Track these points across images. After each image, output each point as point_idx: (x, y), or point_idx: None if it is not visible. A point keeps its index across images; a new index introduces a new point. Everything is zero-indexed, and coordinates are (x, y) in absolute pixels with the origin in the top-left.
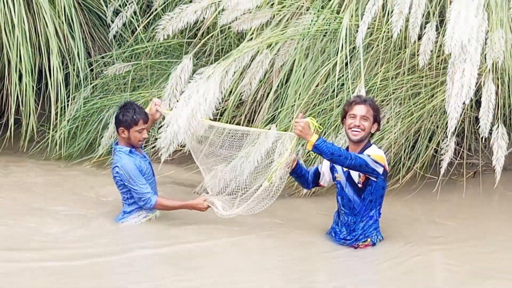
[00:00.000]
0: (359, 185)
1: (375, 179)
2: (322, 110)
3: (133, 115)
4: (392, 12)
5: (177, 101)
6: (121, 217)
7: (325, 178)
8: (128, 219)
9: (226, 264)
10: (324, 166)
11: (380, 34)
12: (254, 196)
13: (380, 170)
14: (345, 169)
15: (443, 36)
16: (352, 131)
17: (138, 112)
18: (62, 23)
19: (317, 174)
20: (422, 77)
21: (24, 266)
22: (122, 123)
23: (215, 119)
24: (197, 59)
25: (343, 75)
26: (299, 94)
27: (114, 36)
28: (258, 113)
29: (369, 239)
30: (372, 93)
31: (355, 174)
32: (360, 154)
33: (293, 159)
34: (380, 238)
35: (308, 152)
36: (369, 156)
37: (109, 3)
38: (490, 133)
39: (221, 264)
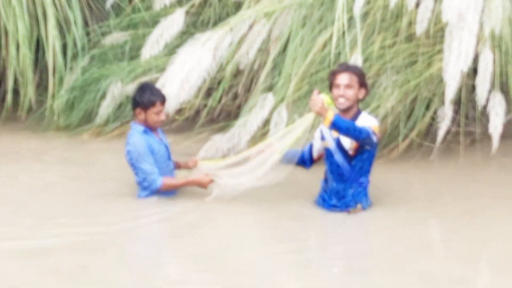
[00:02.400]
0: (350, 152)
1: (369, 148)
2: (320, 79)
3: (150, 96)
4: None
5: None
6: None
7: (317, 147)
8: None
9: (218, 236)
10: (316, 134)
11: (377, 2)
12: (263, 168)
13: (375, 139)
14: (335, 136)
15: (440, 4)
16: (338, 101)
17: (155, 93)
18: None
19: (311, 150)
20: (419, 45)
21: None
22: (139, 104)
23: (212, 89)
24: (194, 29)
25: (340, 44)
26: (296, 63)
27: (112, 5)
28: (256, 82)
29: (359, 205)
30: (369, 62)
31: (346, 141)
32: (364, 127)
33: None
34: (369, 204)
35: None
36: (370, 127)
37: None
38: (488, 101)
39: (215, 236)
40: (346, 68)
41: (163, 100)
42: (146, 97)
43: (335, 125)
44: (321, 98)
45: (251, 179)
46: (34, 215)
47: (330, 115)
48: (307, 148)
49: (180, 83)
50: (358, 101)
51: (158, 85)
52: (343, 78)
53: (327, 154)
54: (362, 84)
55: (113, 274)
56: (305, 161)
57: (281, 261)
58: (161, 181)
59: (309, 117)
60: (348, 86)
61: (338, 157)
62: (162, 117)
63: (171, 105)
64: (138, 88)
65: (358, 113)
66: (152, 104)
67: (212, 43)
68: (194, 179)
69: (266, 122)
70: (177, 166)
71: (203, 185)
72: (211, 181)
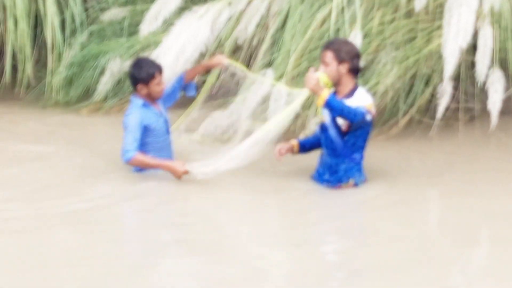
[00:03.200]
0: (343, 128)
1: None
2: (319, 55)
3: (148, 69)
4: None
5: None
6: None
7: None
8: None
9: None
10: None
11: None
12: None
13: (369, 117)
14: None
15: None
16: None
17: (151, 65)
18: None
19: None
20: (419, 21)
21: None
22: (139, 80)
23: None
24: (193, 4)
25: (339, 20)
26: (295, 39)
27: None
28: (255, 58)
29: (351, 180)
30: (368, 38)
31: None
32: (359, 107)
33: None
34: (362, 179)
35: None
36: (364, 107)
37: None
38: (487, 77)
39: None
40: (324, 45)
41: (160, 70)
42: (144, 72)
43: (328, 105)
44: (316, 76)
45: (226, 161)
46: (19, 190)
47: (325, 94)
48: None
49: (175, 55)
50: (350, 75)
51: (153, 56)
52: (322, 56)
53: (322, 128)
54: (341, 59)
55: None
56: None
57: (268, 237)
58: (133, 154)
59: (303, 93)
60: (325, 63)
61: (332, 132)
62: (163, 86)
63: (166, 77)
64: (134, 64)
65: (354, 89)
66: (151, 76)
67: (209, 16)
68: (169, 164)
69: (266, 99)
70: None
71: (176, 174)
72: (186, 172)
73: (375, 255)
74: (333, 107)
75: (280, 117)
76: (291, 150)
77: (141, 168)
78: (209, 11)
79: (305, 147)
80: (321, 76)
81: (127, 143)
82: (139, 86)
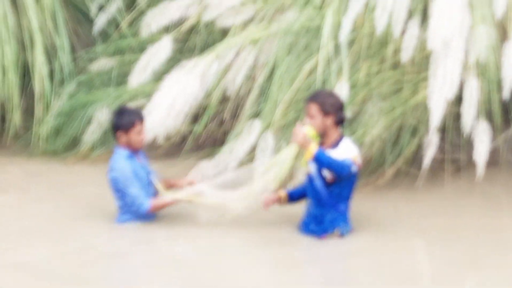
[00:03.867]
0: (328, 178)
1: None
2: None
3: (128, 117)
4: (375, 8)
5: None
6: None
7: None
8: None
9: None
10: None
11: (363, 30)
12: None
13: (355, 168)
14: None
15: (426, 32)
16: None
17: (133, 114)
18: (46, 18)
19: None
20: (405, 72)
21: None
22: (119, 127)
23: (197, 114)
24: (181, 55)
25: (326, 71)
26: (282, 90)
27: (99, 32)
28: (242, 109)
29: (336, 230)
30: (354, 89)
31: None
32: (346, 160)
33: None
34: (348, 230)
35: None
36: (350, 158)
37: None
38: (473, 129)
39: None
40: (309, 98)
41: (141, 119)
42: (125, 119)
43: (317, 160)
44: (303, 131)
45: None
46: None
47: (312, 148)
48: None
49: (166, 109)
50: (335, 127)
51: (145, 112)
52: (307, 108)
53: (309, 179)
54: (326, 111)
55: None
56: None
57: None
58: (149, 203)
59: (292, 148)
60: (310, 116)
61: (317, 183)
62: (143, 135)
63: (158, 132)
64: (115, 112)
65: (339, 139)
66: (132, 124)
67: (198, 70)
68: (181, 194)
69: (253, 149)
70: (168, 185)
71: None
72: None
73: None
74: (321, 162)
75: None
76: (278, 201)
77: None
78: (198, 64)
79: (293, 197)
80: (308, 130)
81: (135, 196)
82: (119, 133)
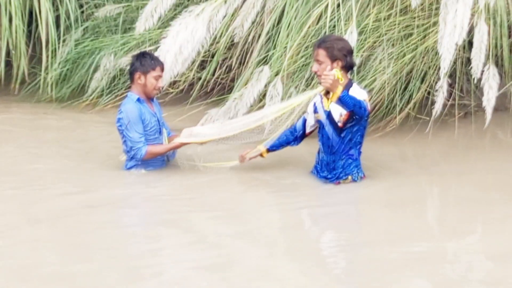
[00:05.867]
0: (339, 124)
1: (359, 120)
2: None
3: (150, 60)
4: None
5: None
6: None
7: (309, 123)
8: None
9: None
10: (309, 108)
11: None
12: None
13: (367, 111)
14: (326, 108)
15: None
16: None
17: (155, 58)
18: None
19: (305, 124)
20: (415, 18)
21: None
22: (139, 69)
23: (205, 61)
24: (188, 1)
25: (335, 17)
26: (291, 36)
27: None
28: (250, 55)
29: (350, 177)
30: (364, 35)
31: (336, 113)
32: (361, 101)
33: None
34: (361, 176)
35: None
36: (364, 100)
37: None
38: (482, 74)
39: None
40: (317, 43)
41: (162, 66)
42: (147, 61)
43: (342, 101)
44: (333, 74)
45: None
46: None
47: (339, 90)
48: (301, 123)
49: (173, 55)
50: (345, 72)
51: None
52: (315, 54)
53: (319, 126)
54: (334, 57)
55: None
56: (290, 140)
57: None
58: (145, 149)
59: (315, 91)
60: (318, 61)
61: (328, 129)
62: (160, 83)
63: (165, 78)
64: (138, 54)
65: (349, 85)
66: (152, 67)
67: (206, 15)
68: (178, 141)
69: (262, 95)
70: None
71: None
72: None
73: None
74: (346, 102)
75: (288, 103)
76: (259, 155)
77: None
78: (205, 10)
79: (273, 149)
80: (336, 72)
81: (134, 140)
82: (137, 75)
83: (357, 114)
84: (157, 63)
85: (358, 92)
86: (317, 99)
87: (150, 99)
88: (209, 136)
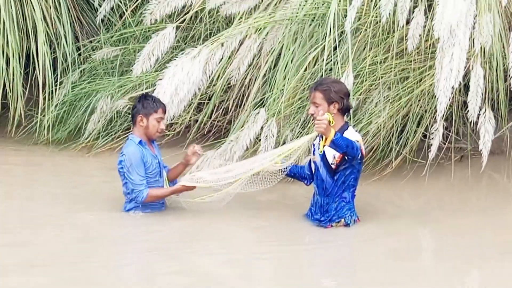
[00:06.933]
0: (333, 166)
1: (353, 163)
2: None
3: (152, 103)
4: None
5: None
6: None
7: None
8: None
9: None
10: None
11: (368, 18)
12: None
13: (360, 154)
14: (320, 151)
15: (432, 21)
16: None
17: (157, 101)
18: (50, 7)
19: (310, 166)
20: (411, 61)
21: None
22: (141, 111)
23: (202, 104)
24: (185, 44)
25: (331, 60)
26: (288, 79)
27: (102, 21)
28: (247, 98)
29: (342, 220)
30: (360, 78)
31: (329, 155)
32: (354, 142)
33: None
34: (354, 219)
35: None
36: (357, 142)
37: None
38: (478, 117)
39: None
40: (314, 86)
41: (164, 108)
42: (149, 103)
43: (335, 143)
44: (326, 118)
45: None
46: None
47: (332, 134)
48: (307, 164)
49: (169, 97)
50: (341, 115)
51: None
52: (312, 97)
53: (315, 168)
54: (331, 99)
55: None
56: (306, 177)
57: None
58: (147, 192)
59: (309, 136)
60: (315, 104)
61: (322, 171)
62: (162, 126)
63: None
64: (140, 97)
65: (344, 127)
66: (154, 110)
67: (202, 58)
68: (181, 184)
69: (259, 138)
70: (175, 174)
71: (189, 188)
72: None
73: None
74: (339, 145)
75: (285, 148)
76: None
77: (131, 208)
78: (202, 52)
79: (293, 170)
80: (329, 117)
81: (136, 183)
82: (139, 117)
83: (349, 155)
84: (159, 105)
85: (351, 134)
86: (316, 140)
87: (151, 141)
88: (211, 183)
